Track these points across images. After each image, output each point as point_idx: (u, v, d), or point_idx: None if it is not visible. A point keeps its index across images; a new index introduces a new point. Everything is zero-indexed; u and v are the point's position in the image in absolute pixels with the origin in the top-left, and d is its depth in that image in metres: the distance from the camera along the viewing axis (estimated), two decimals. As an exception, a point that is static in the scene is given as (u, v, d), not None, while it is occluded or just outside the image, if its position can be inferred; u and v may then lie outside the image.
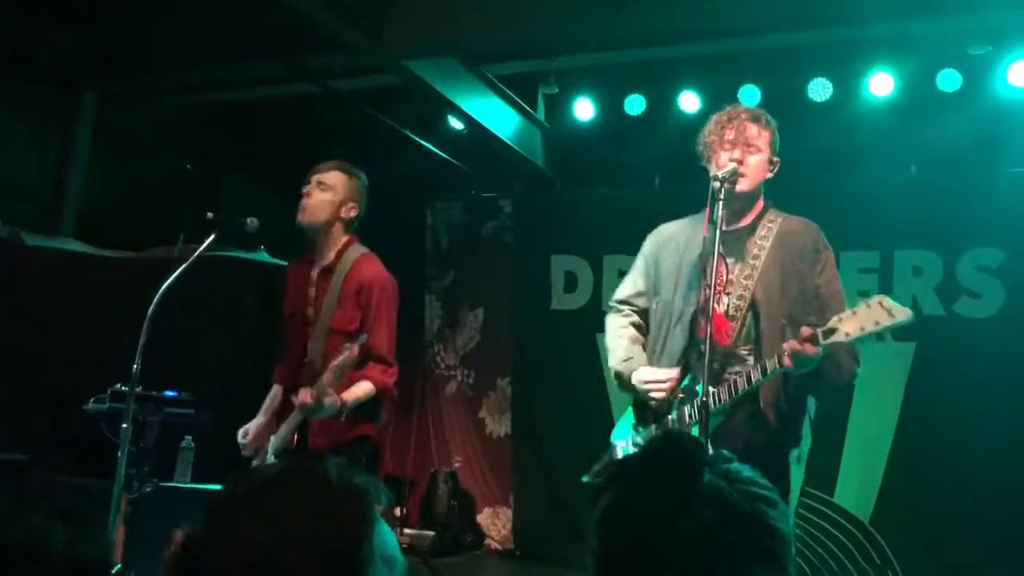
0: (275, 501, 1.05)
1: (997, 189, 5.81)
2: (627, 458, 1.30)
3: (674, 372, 2.98)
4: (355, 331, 3.35)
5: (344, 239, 3.67)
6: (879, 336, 2.70)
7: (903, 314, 2.68)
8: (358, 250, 3.66)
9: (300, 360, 3.52)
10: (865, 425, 5.93)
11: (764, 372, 2.82)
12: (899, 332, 6.31)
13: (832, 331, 2.71)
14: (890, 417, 5.89)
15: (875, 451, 5.98)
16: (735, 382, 2.86)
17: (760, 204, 3.11)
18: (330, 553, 1.02)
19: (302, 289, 3.59)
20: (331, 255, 3.61)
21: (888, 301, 2.69)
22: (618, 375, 3.16)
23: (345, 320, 3.45)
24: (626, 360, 3.12)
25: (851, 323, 2.70)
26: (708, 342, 2.76)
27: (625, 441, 3.19)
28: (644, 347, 3.19)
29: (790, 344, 2.74)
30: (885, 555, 5.91)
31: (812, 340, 2.72)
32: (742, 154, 2.97)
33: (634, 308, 3.26)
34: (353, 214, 3.68)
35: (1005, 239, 5.84)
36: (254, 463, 3.61)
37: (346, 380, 3.25)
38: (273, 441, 3.48)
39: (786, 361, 2.75)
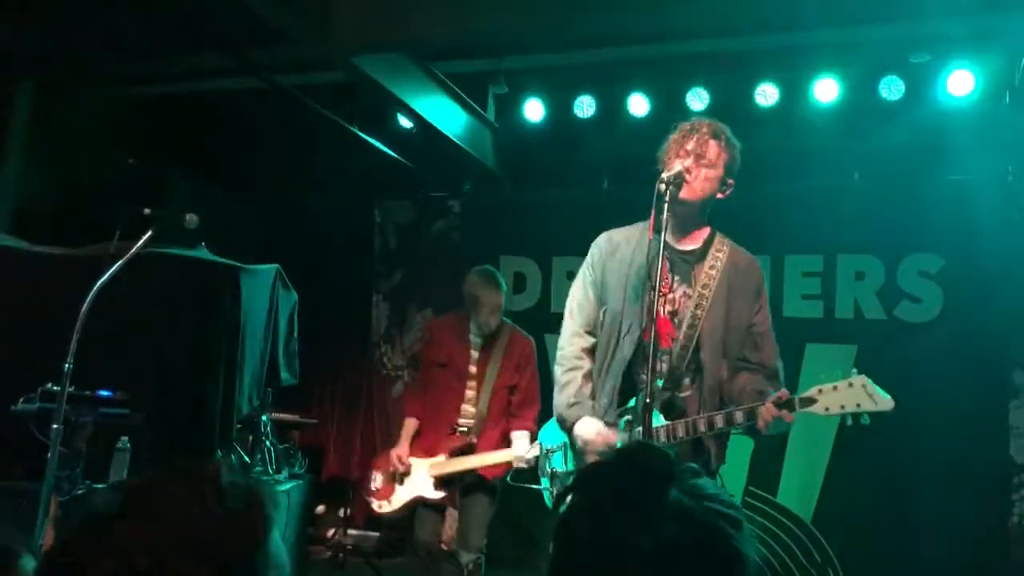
0: (162, 505, 0.99)
1: (937, 196, 5.95)
2: (596, 465, 1.27)
3: (613, 439, 2.97)
4: None
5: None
6: (855, 417, 2.75)
7: (887, 405, 2.72)
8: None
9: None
10: (807, 427, 6.00)
11: (730, 422, 2.86)
12: (841, 335, 6.42)
13: (811, 401, 2.76)
14: (831, 419, 5.96)
15: (817, 453, 6.07)
16: (695, 424, 2.89)
17: (707, 228, 3.14)
18: (223, 561, 0.96)
19: None
20: None
21: (871, 386, 2.73)
22: (560, 418, 3.13)
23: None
24: (572, 405, 3.09)
25: (832, 398, 2.74)
26: (652, 344, 2.76)
27: (555, 446, 3.18)
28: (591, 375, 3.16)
29: (768, 410, 2.76)
30: (826, 553, 6.00)
31: (789, 407, 2.75)
32: (693, 163, 2.99)
33: (591, 329, 3.22)
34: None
35: (944, 245, 5.98)
36: (406, 482, 4.44)
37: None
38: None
39: (761, 426, 2.78)
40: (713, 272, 3.05)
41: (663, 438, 2.89)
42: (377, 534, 6.79)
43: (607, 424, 3.04)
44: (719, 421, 2.87)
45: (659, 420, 2.92)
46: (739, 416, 2.84)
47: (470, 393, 4.50)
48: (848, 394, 2.73)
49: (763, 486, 6.18)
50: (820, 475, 6.10)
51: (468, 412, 4.48)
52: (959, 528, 5.64)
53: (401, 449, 4.50)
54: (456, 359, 4.52)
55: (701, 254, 3.10)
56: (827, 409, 2.74)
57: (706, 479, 1.16)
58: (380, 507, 4.51)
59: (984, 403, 5.79)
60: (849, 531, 5.96)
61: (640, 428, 2.91)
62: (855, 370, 2.80)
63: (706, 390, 2.98)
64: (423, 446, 4.51)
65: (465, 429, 4.45)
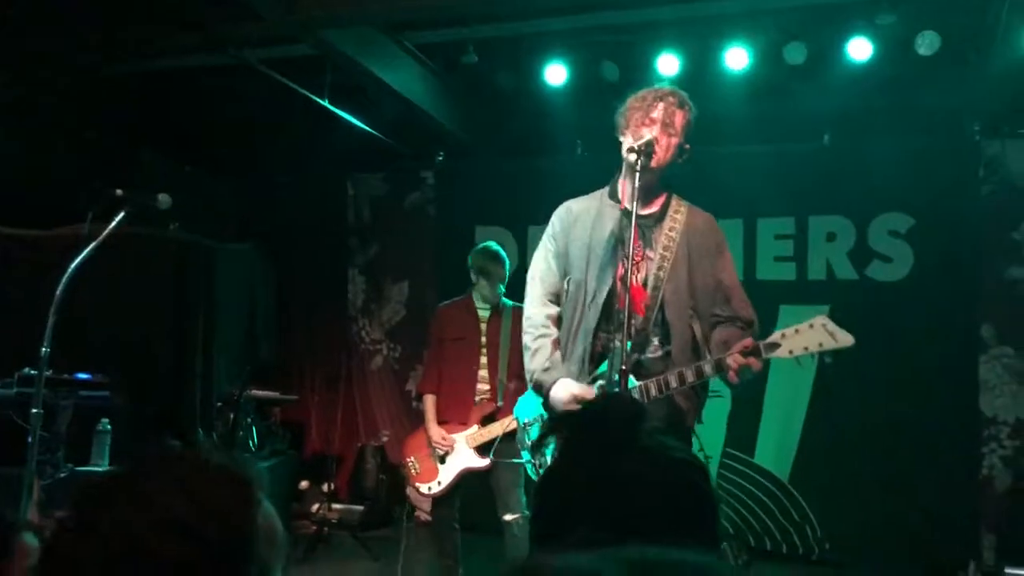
0: (152, 486, 0.98)
1: (905, 157, 6.00)
2: (570, 412, 1.32)
3: (592, 393, 3.01)
4: None
5: None
6: (820, 356, 2.83)
7: (847, 340, 2.81)
8: None
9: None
10: (782, 388, 6.11)
11: (700, 375, 2.91)
12: (814, 296, 6.50)
13: (775, 346, 2.82)
14: (806, 379, 6.07)
15: (792, 413, 6.17)
16: (666, 380, 2.94)
17: (664, 192, 3.17)
18: (209, 541, 0.97)
19: None
20: None
21: (831, 325, 2.82)
22: (537, 383, 3.16)
23: None
24: (546, 370, 3.13)
25: (795, 341, 2.81)
26: (626, 313, 2.80)
27: (532, 419, 3.22)
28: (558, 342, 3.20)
29: (735, 359, 2.82)
30: (804, 511, 6.12)
31: (755, 354, 2.81)
32: (661, 132, 3.02)
33: (555, 298, 3.25)
34: None
35: (913, 205, 6.06)
36: (448, 459, 4.60)
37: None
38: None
39: (732, 376, 2.84)
40: (673, 234, 3.09)
41: (637, 398, 2.93)
42: (361, 507, 6.84)
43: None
44: (689, 375, 2.92)
45: (632, 382, 2.97)
46: (707, 368, 2.90)
47: (484, 361, 4.71)
48: (810, 335, 2.81)
49: (740, 447, 6.28)
50: (796, 435, 6.20)
51: (484, 379, 4.69)
52: (931, 482, 5.77)
53: (436, 430, 4.66)
54: (470, 332, 4.77)
55: (659, 217, 3.14)
56: (791, 352, 2.81)
57: (671, 437, 1.20)
58: (430, 489, 4.62)
59: (954, 358, 5.90)
60: (825, 489, 6.07)
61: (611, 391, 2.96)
62: (815, 313, 2.89)
63: (676, 350, 3.03)
64: (449, 419, 4.68)
65: (486, 397, 4.66)
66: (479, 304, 4.85)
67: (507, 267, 4.94)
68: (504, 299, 4.89)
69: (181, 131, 6.70)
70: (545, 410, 3.17)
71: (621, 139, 3.10)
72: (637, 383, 2.96)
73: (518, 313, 4.74)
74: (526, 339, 3.24)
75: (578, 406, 3.00)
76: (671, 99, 3.07)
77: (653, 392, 2.95)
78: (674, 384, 2.93)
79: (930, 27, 5.26)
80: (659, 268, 3.06)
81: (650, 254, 3.09)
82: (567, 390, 3.04)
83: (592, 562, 0.65)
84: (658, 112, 3.04)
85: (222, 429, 4.84)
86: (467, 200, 7.16)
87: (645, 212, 3.13)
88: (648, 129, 3.02)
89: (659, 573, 0.63)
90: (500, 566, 2.96)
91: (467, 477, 4.56)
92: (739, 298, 3.14)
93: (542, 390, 3.13)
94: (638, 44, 5.79)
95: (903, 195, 6.07)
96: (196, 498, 0.98)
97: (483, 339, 4.74)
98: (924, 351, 5.83)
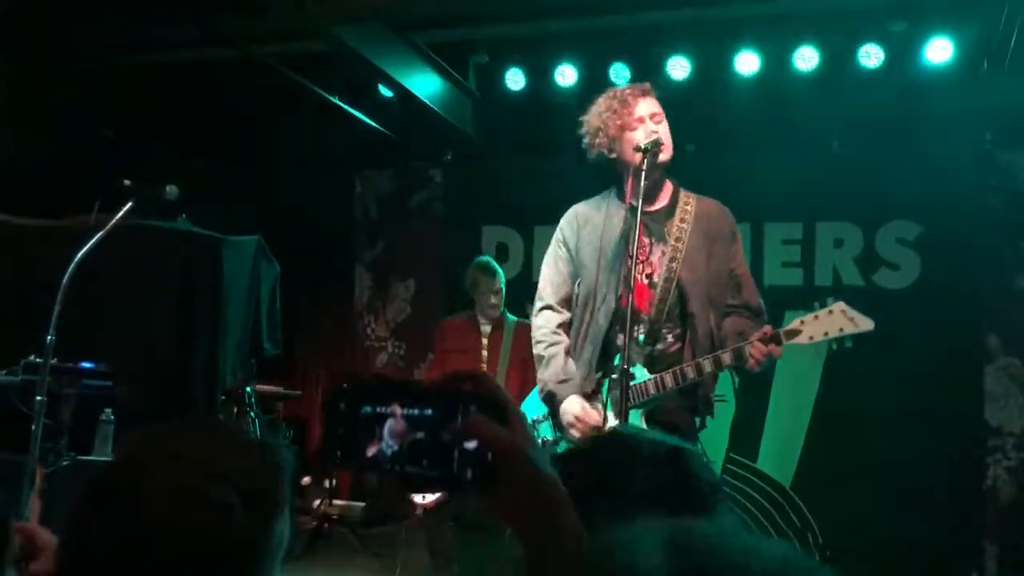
0: (198, 443, 1.09)
1: (915, 164, 5.99)
2: (567, 455, 1.36)
3: (596, 418, 2.99)
4: None
5: None
6: (839, 341, 2.83)
7: (866, 324, 2.83)
8: None
9: None
10: (787, 393, 6.09)
11: (719, 365, 2.91)
12: (820, 302, 6.48)
13: (795, 332, 2.82)
14: (810, 385, 6.06)
15: (796, 419, 6.15)
16: (683, 371, 2.92)
17: (669, 183, 3.17)
18: (247, 493, 1.06)
19: None
20: None
21: (850, 310, 2.84)
22: (550, 394, 3.12)
23: None
24: (561, 382, 3.10)
25: (814, 327, 2.82)
26: (629, 310, 2.80)
27: (540, 416, 3.21)
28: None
29: (757, 347, 2.82)
30: (805, 518, 6.11)
31: (775, 341, 2.80)
32: (656, 126, 3.03)
33: (566, 304, 3.23)
34: None
35: (922, 212, 6.04)
36: None
37: None
38: None
39: (753, 364, 2.83)
40: (684, 225, 3.09)
41: (652, 391, 2.92)
42: (362, 504, 6.84)
43: (588, 395, 3.08)
44: (707, 365, 2.91)
45: (643, 374, 2.96)
46: (727, 357, 2.89)
47: None
48: (829, 321, 2.81)
49: (743, 452, 6.26)
50: (799, 441, 6.18)
51: None
52: (935, 492, 5.74)
53: None
54: (471, 345, 4.88)
55: (669, 210, 3.13)
56: (811, 337, 2.82)
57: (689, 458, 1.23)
58: (424, 498, 4.59)
59: (960, 368, 5.88)
60: (827, 496, 6.05)
61: (616, 392, 2.96)
62: (831, 299, 2.88)
63: (698, 340, 3.00)
64: None
65: None
66: (481, 319, 4.95)
67: (500, 279, 4.99)
68: (508, 315, 4.96)
69: (190, 124, 6.71)
70: (553, 421, 3.16)
71: (598, 147, 3.09)
72: (650, 375, 2.95)
73: (520, 329, 4.82)
74: (538, 348, 3.20)
75: (579, 428, 3.00)
76: (650, 92, 3.08)
77: (669, 383, 2.93)
78: (691, 375, 2.92)
79: (943, 34, 5.25)
80: (672, 260, 3.04)
81: (663, 248, 3.07)
82: (577, 407, 3.02)
83: (636, 537, 0.66)
84: (644, 108, 3.04)
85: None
86: (475, 199, 7.17)
87: (654, 208, 3.12)
88: (643, 127, 3.02)
89: (702, 552, 0.64)
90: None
91: None
92: (749, 287, 3.16)
93: (553, 401, 3.11)
94: (649, 47, 5.79)
95: (912, 202, 6.05)
96: (242, 452, 1.10)
97: (484, 353, 4.81)
98: (930, 360, 5.81)
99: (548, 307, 3.23)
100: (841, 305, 2.84)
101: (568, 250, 3.22)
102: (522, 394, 4.74)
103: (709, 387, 3.13)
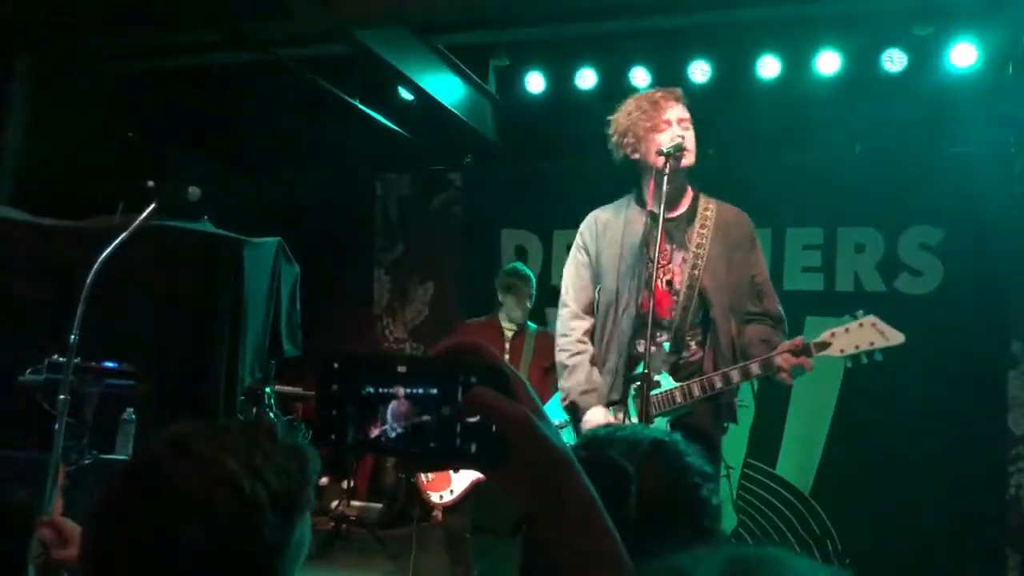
0: (234, 439, 1.10)
1: (938, 169, 5.94)
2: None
3: None
4: None
5: None
6: (868, 355, 2.81)
7: (897, 338, 2.82)
8: None
9: None
10: (806, 399, 6.05)
11: (747, 375, 2.89)
12: (842, 308, 6.44)
13: (825, 345, 2.81)
14: (830, 392, 6.02)
15: (816, 425, 6.11)
16: (711, 381, 2.91)
17: (690, 190, 3.15)
18: (277, 492, 1.07)
19: None
20: None
21: (881, 323, 2.81)
22: (572, 404, 3.10)
23: None
24: (584, 393, 3.08)
25: (845, 340, 2.81)
26: (651, 316, 2.79)
27: (561, 422, 3.19)
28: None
29: (787, 359, 2.81)
30: (824, 525, 6.06)
31: (807, 353, 2.80)
32: (683, 132, 3.02)
33: (589, 310, 3.21)
34: None
35: (945, 218, 5.98)
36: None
37: None
38: None
39: (785, 377, 2.82)
40: (704, 231, 3.08)
41: (679, 399, 2.91)
42: (380, 505, 6.86)
43: (612, 403, 3.06)
44: (735, 376, 2.89)
45: (669, 382, 2.95)
46: (755, 368, 2.87)
47: None
48: (860, 334, 2.79)
49: (762, 458, 6.22)
50: (819, 447, 6.14)
51: None
52: (956, 500, 5.68)
53: None
54: (494, 348, 4.73)
55: (690, 216, 3.12)
56: (842, 350, 2.80)
57: (671, 452, 1.22)
58: (441, 497, 4.60)
59: (983, 374, 5.82)
60: (847, 503, 6.00)
61: (652, 392, 2.94)
62: (862, 312, 2.85)
63: (720, 347, 2.99)
64: None
65: None
66: (505, 324, 4.94)
67: (533, 287, 5.02)
68: (529, 323, 4.97)
69: (212, 127, 6.76)
70: (575, 432, 3.14)
71: (624, 147, 3.08)
72: (675, 383, 2.93)
73: (542, 338, 4.82)
74: (561, 356, 3.18)
75: None
76: (680, 98, 3.07)
77: (696, 393, 2.92)
78: (719, 384, 2.90)
79: (967, 38, 5.20)
80: (693, 267, 3.03)
81: (684, 255, 3.06)
82: (599, 419, 3.00)
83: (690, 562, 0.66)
84: (674, 112, 3.03)
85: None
86: (494, 202, 7.17)
87: (675, 214, 3.11)
88: (668, 132, 3.01)
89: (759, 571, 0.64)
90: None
91: (480, 485, 4.53)
92: (770, 294, 3.14)
93: (576, 412, 3.09)
94: (670, 51, 5.78)
95: (934, 208, 6.00)
96: (272, 452, 1.11)
97: (506, 356, 4.76)
98: (952, 366, 5.75)
99: (573, 314, 3.20)
100: (872, 318, 2.82)
101: (588, 255, 3.21)
102: (544, 385, 4.75)
103: (733, 395, 3.11)
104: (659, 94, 3.08)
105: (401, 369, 0.84)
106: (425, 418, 0.82)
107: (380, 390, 0.84)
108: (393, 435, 0.83)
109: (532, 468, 0.80)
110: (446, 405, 0.82)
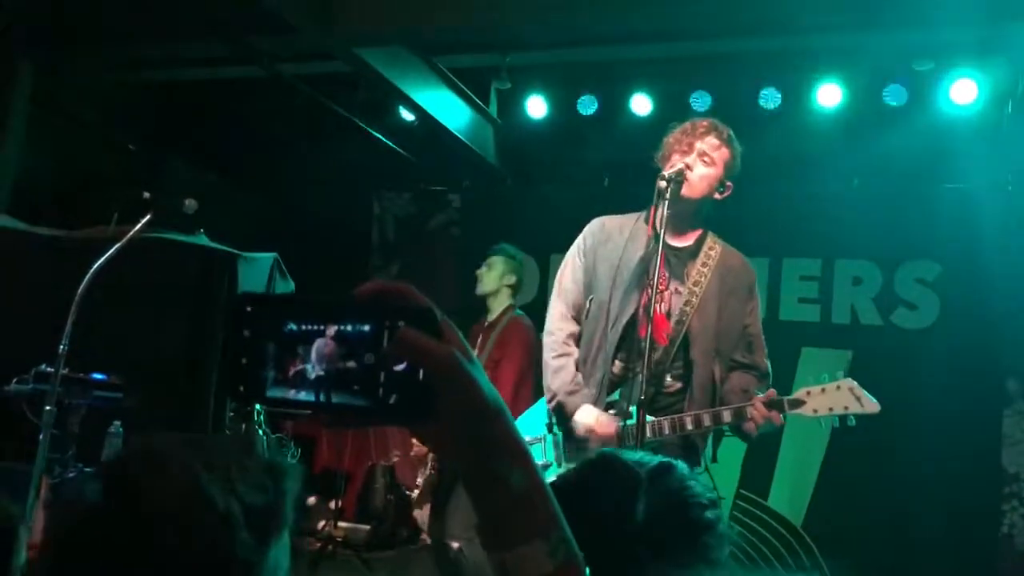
0: (208, 451, 1.06)
1: (936, 204, 5.95)
2: (563, 480, 1.31)
3: (614, 427, 2.96)
4: None
5: None
6: (842, 419, 2.79)
7: (872, 407, 2.79)
8: None
9: None
10: (800, 431, 6.00)
11: (717, 421, 2.87)
12: (837, 340, 6.43)
13: (799, 403, 2.79)
14: (824, 424, 5.97)
15: (809, 458, 6.08)
16: (681, 421, 2.89)
17: (700, 227, 3.14)
18: (252, 507, 1.03)
19: None
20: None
21: (858, 389, 2.79)
22: (560, 405, 3.08)
23: None
24: (571, 393, 3.07)
25: (819, 400, 2.78)
26: (648, 342, 2.76)
27: (535, 438, 3.16)
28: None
29: (759, 410, 2.79)
30: (816, 559, 6.01)
31: (778, 407, 2.78)
32: (695, 161, 3.00)
33: (577, 315, 3.21)
34: None
35: (942, 253, 5.99)
36: None
37: None
38: None
39: (750, 427, 2.80)
40: (705, 270, 3.06)
41: (648, 434, 2.88)
42: (367, 527, 6.79)
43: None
44: (706, 419, 2.88)
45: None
46: (727, 415, 2.85)
47: None
48: (836, 396, 2.77)
49: (754, 489, 6.18)
50: (812, 480, 6.10)
51: None
52: (949, 537, 5.64)
53: None
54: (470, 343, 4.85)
55: (694, 251, 3.11)
56: (815, 411, 2.77)
57: (679, 474, 1.19)
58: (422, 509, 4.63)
59: (977, 411, 5.79)
60: (839, 537, 5.96)
61: (627, 423, 2.92)
62: (841, 373, 2.83)
63: (696, 388, 2.98)
64: None
65: None
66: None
67: (505, 263, 5.15)
68: (517, 311, 4.97)
69: (210, 141, 6.76)
70: (561, 430, 3.12)
71: (657, 161, 3.09)
72: (651, 419, 2.91)
73: (513, 322, 4.86)
74: (547, 355, 3.18)
75: (594, 439, 2.96)
76: (708, 129, 3.06)
77: (666, 431, 2.90)
78: (689, 427, 2.89)
79: (968, 75, 5.23)
80: (686, 303, 3.02)
81: (680, 288, 3.05)
82: (592, 416, 2.99)
83: None
84: (702, 143, 3.02)
85: (233, 439, 4.84)
86: (492, 225, 7.15)
87: (679, 244, 3.10)
88: (682, 158, 3.00)
89: None
90: None
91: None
92: (760, 348, 3.12)
93: (564, 412, 3.07)
94: (672, 80, 5.80)
95: (931, 242, 6.00)
96: (249, 466, 1.05)
97: (475, 352, 4.77)
98: (946, 402, 5.72)
99: (562, 315, 3.21)
100: (850, 382, 2.79)
101: (586, 261, 3.20)
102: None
103: (702, 438, 3.10)
104: (702, 123, 3.08)
105: (325, 308, 0.77)
106: (351, 364, 0.75)
107: (304, 327, 0.76)
108: (313, 376, 0.76)
109: (460, 411, 0.75)
110: (370, 352, 0.75)
